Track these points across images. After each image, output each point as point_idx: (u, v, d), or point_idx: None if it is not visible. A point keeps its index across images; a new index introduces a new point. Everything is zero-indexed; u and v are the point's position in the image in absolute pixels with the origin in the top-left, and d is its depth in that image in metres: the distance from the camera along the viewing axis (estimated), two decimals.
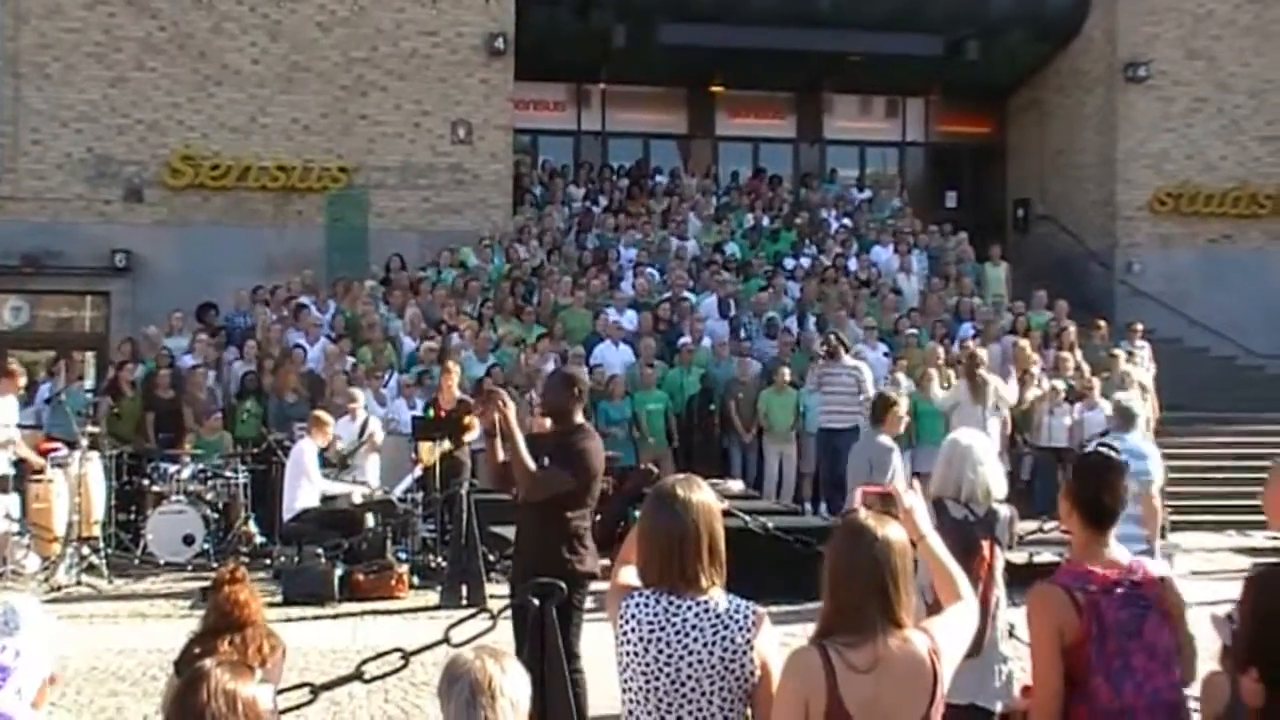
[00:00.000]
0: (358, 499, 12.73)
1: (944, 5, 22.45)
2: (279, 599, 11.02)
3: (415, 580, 11.87)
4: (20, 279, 19.35)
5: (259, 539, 13.44)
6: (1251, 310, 21.36)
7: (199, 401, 14.80)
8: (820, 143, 25.71)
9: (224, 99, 19.86)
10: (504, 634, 6.58)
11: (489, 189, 20.63)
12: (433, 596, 11.37)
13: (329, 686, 5.78)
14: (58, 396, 14.52)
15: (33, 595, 10.16)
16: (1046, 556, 11.31)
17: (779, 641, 3.49)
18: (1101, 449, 4.23)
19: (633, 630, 3.50)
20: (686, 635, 3.44)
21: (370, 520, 12.46)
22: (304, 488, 12.22)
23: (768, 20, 21.96)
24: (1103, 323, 18.31)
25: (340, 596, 11.28)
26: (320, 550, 11.66)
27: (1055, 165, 24.20)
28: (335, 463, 13.13)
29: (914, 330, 17.03)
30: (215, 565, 12.02)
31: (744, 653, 3.42)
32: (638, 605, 3.52)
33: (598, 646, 5.55)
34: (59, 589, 11.54)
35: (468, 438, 12.71)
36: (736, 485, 13.67)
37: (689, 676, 3.42)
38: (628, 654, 3.50)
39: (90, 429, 12.73)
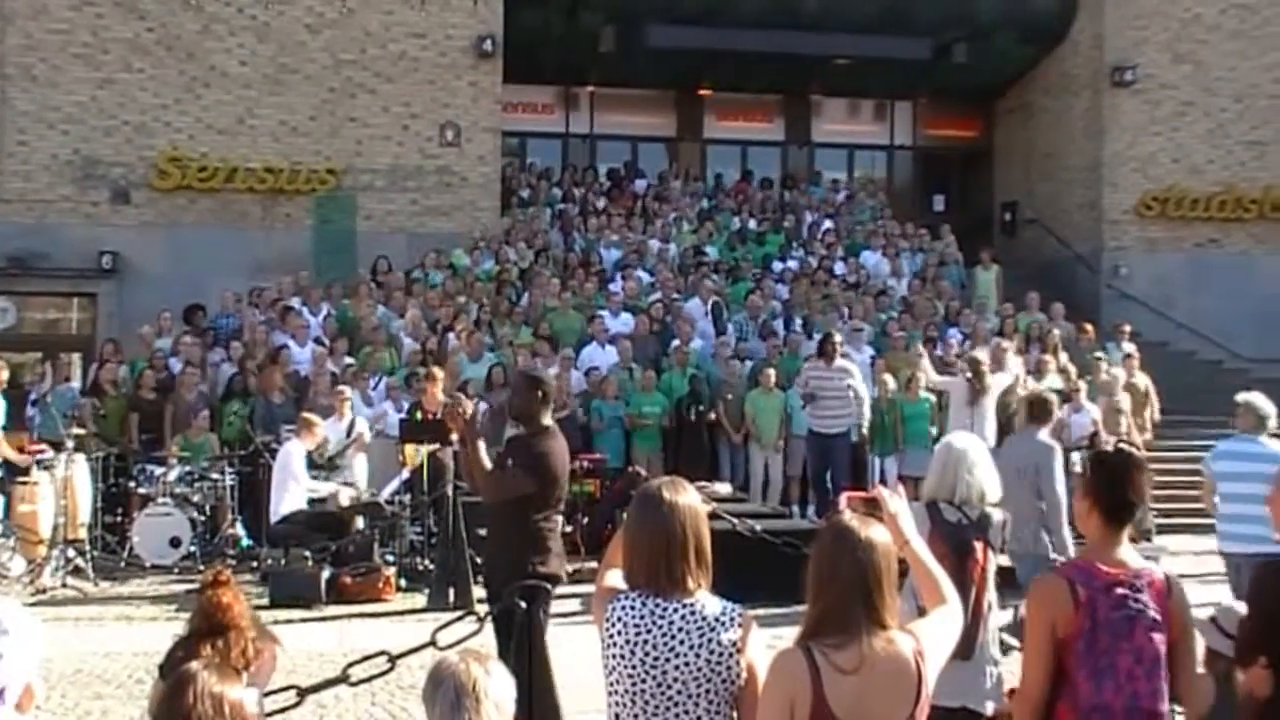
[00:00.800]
0: (345, 500, 12.70)
1: (932, 9, 22.49)
2: (266, 601, 10.99)
3: (402, 583, 11.86)
4: (7, 280, 19.29)
5: (246, 541, 13.41)
6: (1238, 313, 21.43)
7: (184, 402, 14.75)
8: (808, 145, 25.76)
9: (212, 100, 19.82)
10: (490, 636, 6.59)
11: (477, 191, 20.62)
12: (420, 599, 11.37)
13: (315, 689, 5.78)
14: (44, 398, 14.48)
15: (17, 598, 10.15)
16: None
17: (766, 643, 3.49)
18: (1120, 445, 4.21)
19: (619, 633, 3.50)
20: (673, 638, 3.44)
21: (358, 523, 12.45)
22: (291, 490, 12.17)
23: (756, 23, 21.99)
24: (1089, 326, 18.36)
25: (327, 599, 11.26)
26: (307, 553, 11.64)
27: (1042, 169, 24.26)
28: (323, 464, 13.11)
29: (903, 333, 17.06)
30: (202, 568, 12.00)
31: (730, 655, 3.43)
32: (624, 608, 3.53)
33: (581, 648, 5.55)
34: (44, 591, 11.51)
35: (454, 440, 12.68)
36: (725, 488, 13.67)
37: (675, 679, 3.42)
38: (614, 657, 3.50)
39: (76, 430, 12.70)
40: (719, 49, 22.39)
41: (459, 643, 6.04)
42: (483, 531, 11.47)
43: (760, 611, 3.82)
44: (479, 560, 11.46)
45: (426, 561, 12.23)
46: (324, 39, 20.11)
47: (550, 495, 6.66)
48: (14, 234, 19.07)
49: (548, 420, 6.83)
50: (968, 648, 4.87)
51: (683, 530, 3.52)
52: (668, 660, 3.43)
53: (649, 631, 3.46)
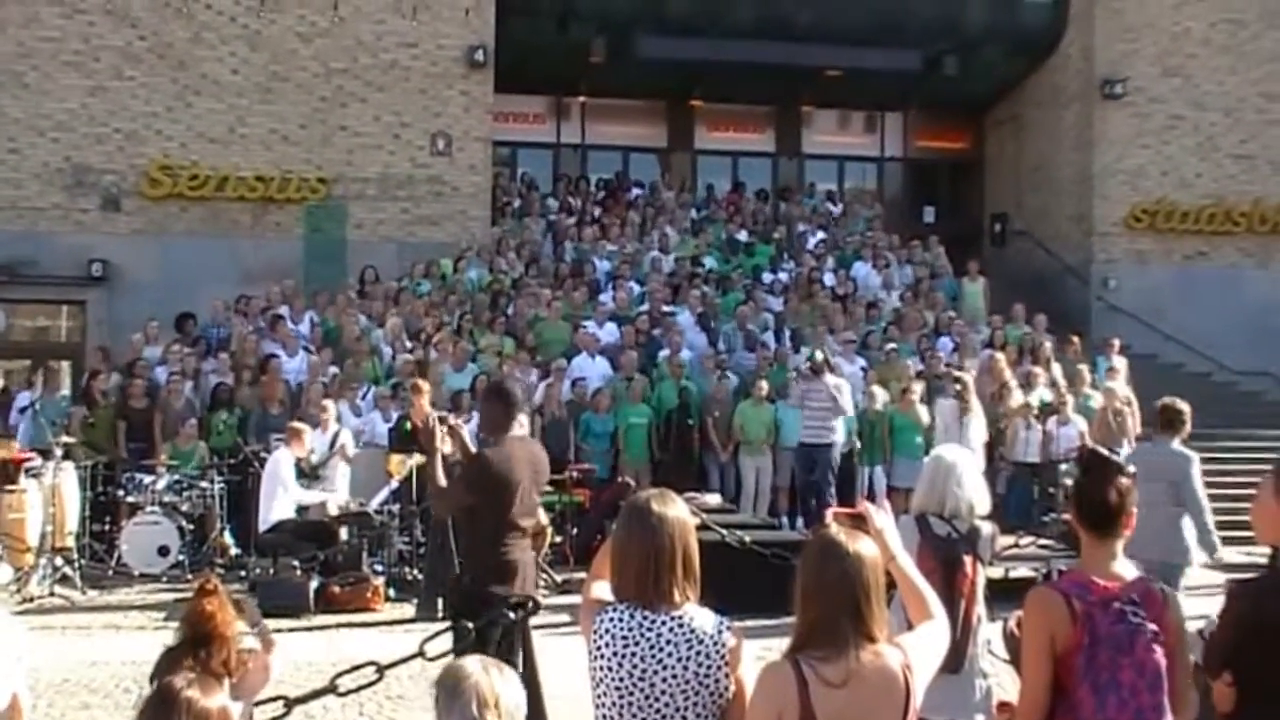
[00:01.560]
0: (333, 509, 12.65)
1: (922, 21, 22.56)
2: None
3: (391, 593, 11.84)
4: None
5: (234, 550, 13.38)
6: (1226, 326, 21.46)
7: (172, 411, 14.71)
8: (799, 157, 25.80)
9: (203, 109, 19.81)
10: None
11: (468, 201, 20.64)
12: (408, 609, 11.34)
13: (303, 700, 5.76)
14: (34, 406, 14.45)
15: (4, 606, 10.11)
16: (1023, 571, 11.35)
17: (755, 655, 3.49)
18: (1098, 450, 4.18)
19: (606, 645, 3.49)
20: (661, 650, 3.43)
21: (346, 532, 12.42)
22: (279, 498, 12.11)
23: (747, 34, 22.05)
24: (1076, 338, 18.38)
25: (315, 609, 11.23)
26: (296, 562, 11.62)
27: (1032, 181, 24.33)
28: (307, 473, 13.08)
29: (894, 345, 17.07)
30: (190, 577, 12.00)
31: (718, 667, 3.42)
32: (611, 620, 3.52)
33: (569, 660, 5.53)
34: (31, 600, 11.45)
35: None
36: (714, 499, 13.67)
37: (663, 691, 3.41)
38: (601, 669, 3.49)
39: (65, 439, 12.67)
40: (710, 60, 22.43)
41: (447, 654, 6.04)
42: None
43: (749, 623, 3.82)
44: None
45: (415, 571, 12.20)
46: (315, 48, 20.12)
47: (498, 507, 6.31)
48: (4, 241, 19.05)
49: (516, 430, 6.72)
50: (956, 661, 4.85)
51: (671, 543, 3.51)
52: (655, 673, 3.42)
53: (637, 644, 3.45)
